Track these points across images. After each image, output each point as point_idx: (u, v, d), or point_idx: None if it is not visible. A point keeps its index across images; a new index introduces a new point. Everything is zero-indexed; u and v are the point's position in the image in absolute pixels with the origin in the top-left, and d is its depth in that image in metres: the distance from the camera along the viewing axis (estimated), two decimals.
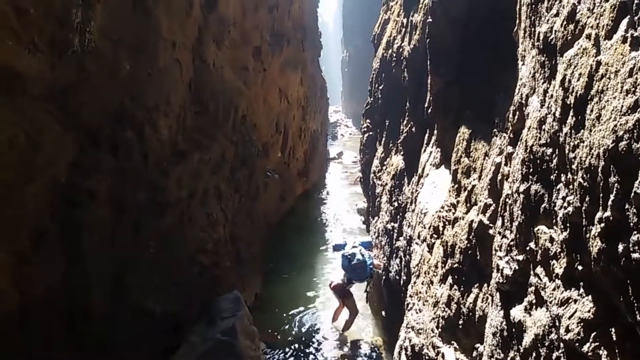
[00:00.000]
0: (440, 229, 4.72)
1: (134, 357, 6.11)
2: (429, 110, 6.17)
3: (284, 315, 9.10)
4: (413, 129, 7.58)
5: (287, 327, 8.78)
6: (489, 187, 3.57)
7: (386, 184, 8.93)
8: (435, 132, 6.03)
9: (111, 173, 5.83)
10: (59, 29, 4.89)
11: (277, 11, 12.20)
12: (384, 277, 8.45)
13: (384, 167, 9.46)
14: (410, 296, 5.40)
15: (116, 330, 5.91)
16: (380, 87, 10.36)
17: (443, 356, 3.96)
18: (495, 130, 3.81)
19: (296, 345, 8.23)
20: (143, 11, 6.16)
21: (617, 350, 1.71)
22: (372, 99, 11.54)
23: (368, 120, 12.05)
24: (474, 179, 4.09)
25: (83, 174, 5.47)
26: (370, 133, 11.79)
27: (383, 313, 8.53)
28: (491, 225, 3.46)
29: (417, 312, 4.95)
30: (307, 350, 8.13)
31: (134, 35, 6.09)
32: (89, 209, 5.54)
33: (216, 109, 8.37)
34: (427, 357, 4.31)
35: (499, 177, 3.36)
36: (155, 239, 6.57)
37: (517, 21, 3.29)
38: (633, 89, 1.60)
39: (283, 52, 12.90)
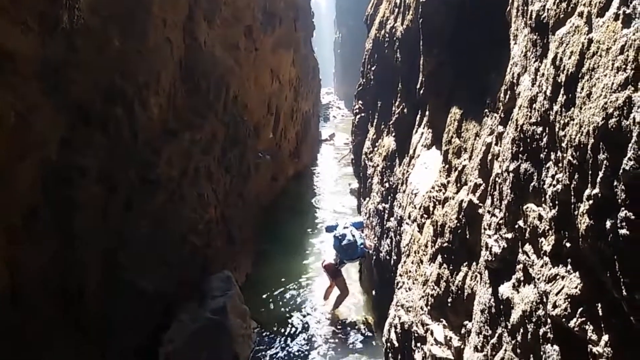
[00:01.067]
0: (431, 208, 4.75)
1: (127, 335, 6.16)
2: (421, 91, 6.15)
3: (275, 294, 9.17)
4: (405, 110, 7.56)
5: (278, 306, 8.84)
6: (479, 167, 3.59)
7: (377, 165, 8.94)
8: (427, 113, 6.02)
9: (102, 150, 5.81)
10: (49, 5, 4.83)
11: None
12: (374, 257, 8.51)
13: (376, 149, 9.45)
14: (400, 275, 5.45)
15: (110, 308, 5.95)
16: (373, 68, 10.30)
17: (432, 333, 4.01)
18: (486, 110, 3.82)
19: (287, 324, 8.30)
20: None
21: (602, 325, 1.74)
22: (364, 80, 11.49)
23: (360, 102, 12.01)
24: (465, 159, 4.11)
25: (74, 151, 5.45)
26: (362, 114, 11.75)
27: (373, 292, 8.61)
28: (481, 204, 3.48)
29: (406, 291, 5.00)
30: (298, 329, 8.21)
31: (124, 11, 6.02)
32: (81, 186, 5.53)
33: (207, 88, 8.31)
34: (416, 335, 4.36)
35: (489, 157, 3.38)
36: (147, 218, 6.58)
37: (510, 0, 3.28)
38: (624, 66, 1.60)
39: (275, 31, 12.78)
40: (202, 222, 7.82)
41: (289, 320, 8.43)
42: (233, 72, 9.58)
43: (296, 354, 7.60)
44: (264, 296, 9.06)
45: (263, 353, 7.48)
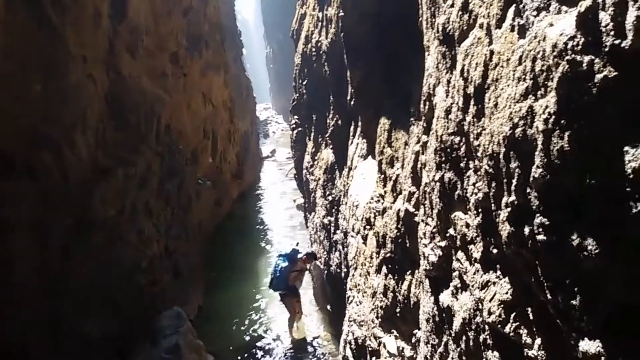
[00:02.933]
0: (372, 219, 4.78)
1: None
2: (352, 103, 6.23)
3: (231, 323, 8.97)
4: (339, 122, 7.63)
5: (235, 334, 8.65)
6: (411, 175, 3.64)
7: (319, 179, 8.97)
8: (360, 123, 6.09)
9: (32, 199, 5.57)
10: None
11: (192, 14, 11.90)
12: (326, 272, 8.49)
13: (316, 162, 9.49)
14: (350, 289, 5.45)
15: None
16: (304, 83, 10.36)
17: (385, 345, 4.02)
18: (412, 119, 3.89)
19: (247, 351, 8.13)
20: (48, 28, 5.87)
21: (534, 329, 1.77)
22: (297, 95, 11.54)
23: (296, 117, 12.05)
24: (398, 168, 4.16)
25: (1, 203, 5.20)
26: (300, 129, 11.79)
27: (328, 307, 8.58)
28: (416, 212, 3.53)
29: (357, 305, 5.00)
30: (259, 354, 8.06)
31: (41, 53, 5.80)
32: (10, 240, 5.27)
33: (137, 121, 8.10)
34: (370, 349, 4.36)
35: (419, 165, 3.43)
36: (86, 262, 6.33)
37: (420, 12, 3.35)
38: (523, 76, 1.65)
39: (202, 55, 12.64)
40: (146, 259, 7.58)
41: (248, 347, 8.26)
42: (163, 101, 9.38)
43: None
44: (219, 326, 8.84)
45: None
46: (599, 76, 1.29)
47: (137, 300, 7.18)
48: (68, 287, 6.00)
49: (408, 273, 3.74)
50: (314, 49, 9.11)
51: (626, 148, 1.22)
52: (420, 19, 3.43)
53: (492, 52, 1.91)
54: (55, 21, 5.93)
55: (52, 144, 5.95)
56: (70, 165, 6.22)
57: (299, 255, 8.35)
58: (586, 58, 1.33)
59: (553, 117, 1.46)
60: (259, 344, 8.36)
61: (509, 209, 1.77)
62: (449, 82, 2.41)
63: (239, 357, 7.97)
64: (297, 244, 9.15)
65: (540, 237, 1.58)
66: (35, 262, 5.60)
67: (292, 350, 8.07)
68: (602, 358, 1.38)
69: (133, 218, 7.40)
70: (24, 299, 5.37)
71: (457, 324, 2.45)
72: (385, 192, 4.49)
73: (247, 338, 8.52)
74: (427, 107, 3.00)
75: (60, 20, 6.01)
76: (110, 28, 7.56)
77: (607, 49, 1.26)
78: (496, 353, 2.05)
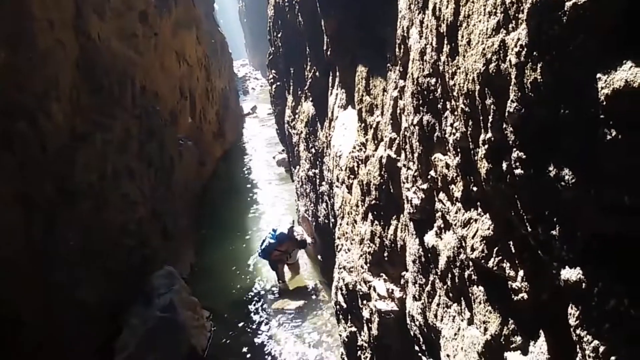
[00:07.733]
0: (355, 169, 4.80)
1: (76, 351, 5.98)
2: (328, 53, 6.13)
3: (224, 278, 9.10)
4: (317, 74, 7.53)
5: (229, 289, 8.78)
6: (391, 121, 3.63)
7: (301, 132, 8.93)
8: (338, 73, 6.02)
9: (11, 170, 5.52)
10: None
11: None
12: (314, 224, 8.58)
13: (297, 116, 9.42)
14: (338, 238, 5.52)
15: (53, 328, 5.76)
16: (279, 35, 10.15)
17: (374, 289, 4.11)
18: (389, 64, 3.84)
19: (242, 305, 8.28)
20: None
21: (517, 262, 1.82)
22: (273, 48, 11.33)
23: (273, 71, 11.87)
24: (378, 116, 4.15)
25: None
26: (278, 83, 11.64)
27: (319, 257, 8.71)
28: (398, 158, 3.54)
29: (346, 252, 5.08)
30: (254, 306, 8.22)
31: (4, 20, 5.61)
32: None
33: (111, 84, 7.92)
34: (360, 293, 4.46)
35: (398, 111, 3.42)
36: (73, 229, 6.33)
37: None
38: (494, 10, 1.63)
39: (172, 12, 12.27)
40: (133, 222, 7.59)
41: (243, 301, 8.41)
42: (135, 63, 9.16)
43: (257, 329, 7.62)
44: (213, 283, 8.96)
45: (224, 337, 7.43)
46: (568, 4, 1.27)
47: (129, 264, 7.23)
48: (57, 256, 6.03)
49: (393, 218, 3.79)
50: (286, 0, 8.89)
51: (599, 75, 1.22)
52: None
53: None
54: None
55: (26, 113, 5.86)
56: (47, 133, 6.15)
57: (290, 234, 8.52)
58: None
59: (525, 49, 1.45)
60: (253, 297, 8.53)
61: (486, 146, 1.78)
62: (421, 22, 2.38)
63: (235, 311, 8.12)
64: (293, 221, 9.34)
65: (518, 171, 1.60)
66: (20, 233, 5.59)
67: (286, 301, 8.22)
68: (584, 284, 1.41)
69: (116, 182, 7.37)
70: (13, 269, 5.39)
71: (442, 262, 2.51)
72: (366, 140, 4.49)
73: (242, 292, 8.68)
74: (402, 50, 2.96)
75: None
76: None
77: None
78: (481, 287, 2.10)
